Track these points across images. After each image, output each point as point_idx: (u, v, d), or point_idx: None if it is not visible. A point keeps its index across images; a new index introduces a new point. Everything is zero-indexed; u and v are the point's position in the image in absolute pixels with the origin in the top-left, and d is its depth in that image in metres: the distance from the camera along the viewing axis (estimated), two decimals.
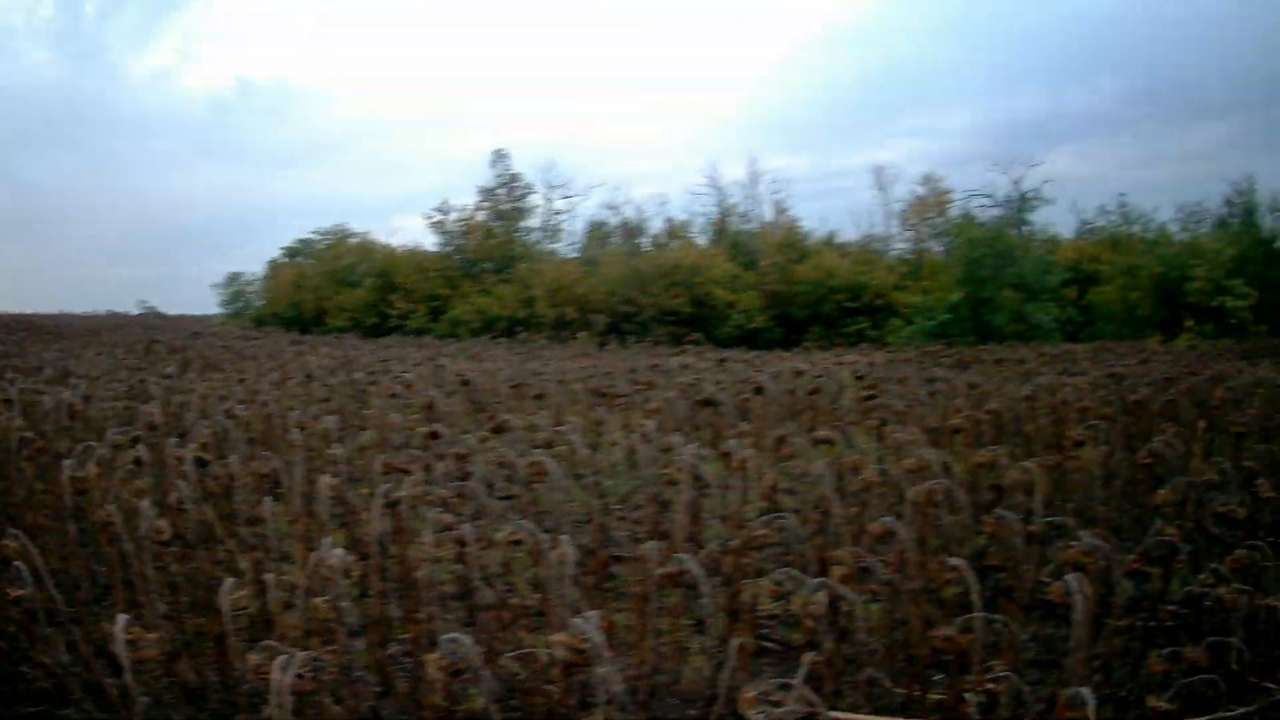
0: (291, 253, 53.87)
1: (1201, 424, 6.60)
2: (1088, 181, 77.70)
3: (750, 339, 33.63)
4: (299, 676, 2.94)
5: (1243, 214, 36.54)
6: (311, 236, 52.90)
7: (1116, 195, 50.44)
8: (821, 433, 7.03)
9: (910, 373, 15.83)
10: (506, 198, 43.08)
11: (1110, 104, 75.72)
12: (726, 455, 5.93)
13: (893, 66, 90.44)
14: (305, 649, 3.17)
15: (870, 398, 11.11)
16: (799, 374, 14.74)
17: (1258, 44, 77.33)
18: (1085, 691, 2.78)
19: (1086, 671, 3.40)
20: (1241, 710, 2.76)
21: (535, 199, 44.12)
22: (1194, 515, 4.61)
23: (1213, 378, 11.86)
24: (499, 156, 43.41)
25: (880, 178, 46.43)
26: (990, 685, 3.17)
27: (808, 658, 3.09)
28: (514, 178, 43.23)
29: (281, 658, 2.95)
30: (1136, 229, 40.90)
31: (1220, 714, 2.70)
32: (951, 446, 7.60)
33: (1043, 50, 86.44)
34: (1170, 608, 3.34)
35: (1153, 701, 2.73)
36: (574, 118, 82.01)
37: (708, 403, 10.11)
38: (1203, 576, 3.29)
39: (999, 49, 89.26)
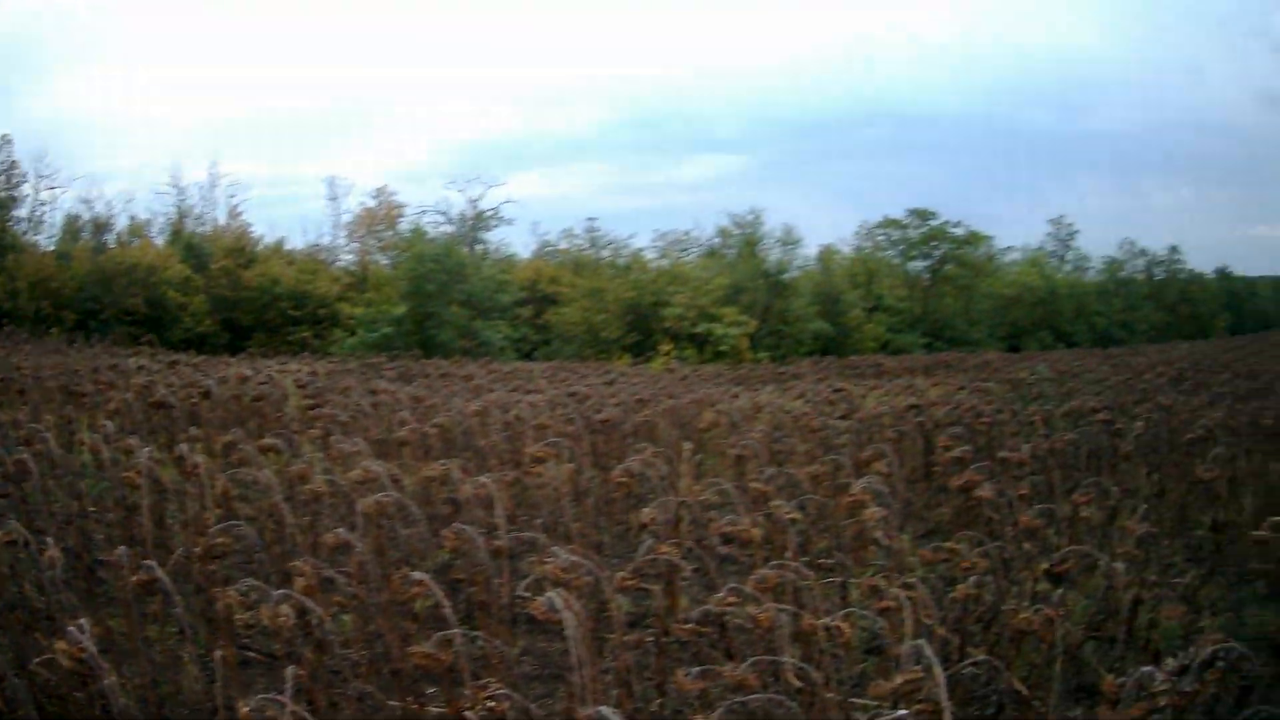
0: None
1: (689, 445, 7.28)
2: (562, 204, 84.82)
3: (199, 343, 34.70)
4: None
5: (743, 245, 41.40)
6: None
7: (585, 219, 54.97)
8: (267, 440, 7.32)
9: (353, 383, 16.58)
10: (4, 185, 42.30)
11: (589, 130, 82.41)
12: (180, 460, 6.10)
13: (357, 79, 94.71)
14: None
15: (314, 407, 11.59)
16: (244, 380, 15.12)
17: (774, 84, 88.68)
18: (608, 710, 2.89)
19: (599, 688, 3.57)
20: None
21: (27, 188, 43.88)
22: (693, 535, 5.06)
23: (698, 401, 13.18)
24: (3, 141, 42.64)
25: (333, 188, 49.96)
26: (491, 703, 3.19)
27: (289, 671, 3.12)
28: (12, 165, 42.88)
29: None
30: (606, 253, 44.83)
31: None
32: (399, 459, 7.94)
33: (519, 73, 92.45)
34: (689, 625, 3.59)
35: None
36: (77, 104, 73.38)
37: (161, 405, 10.31)
38: (720, 596, 3.57)
39: (470, 68, 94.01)
